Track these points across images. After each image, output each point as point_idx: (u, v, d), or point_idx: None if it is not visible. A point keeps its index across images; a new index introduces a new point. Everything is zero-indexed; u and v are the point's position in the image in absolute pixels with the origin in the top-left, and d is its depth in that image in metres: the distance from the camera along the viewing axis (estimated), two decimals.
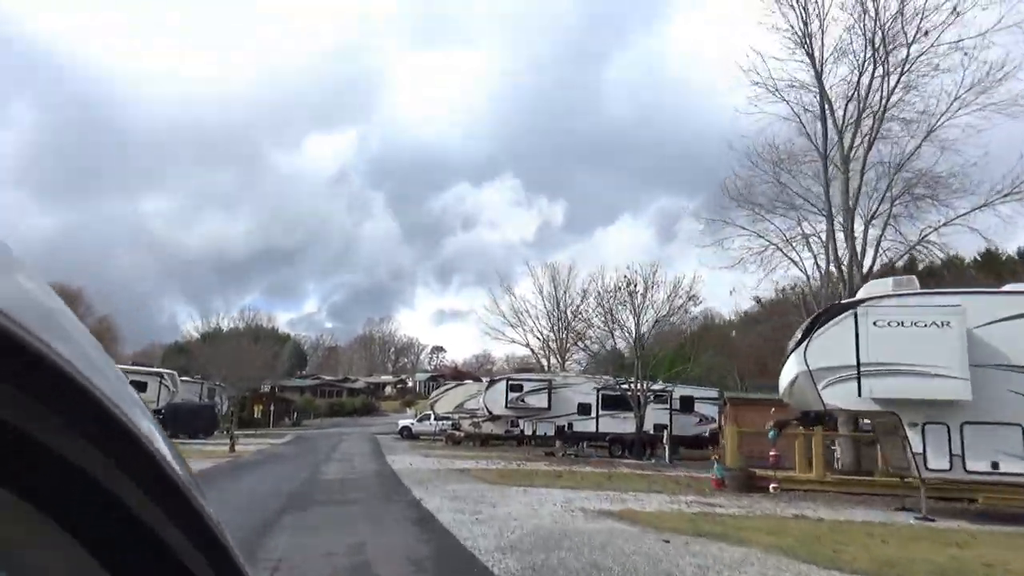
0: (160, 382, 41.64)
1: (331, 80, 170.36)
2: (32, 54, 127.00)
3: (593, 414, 36.92)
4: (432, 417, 51.76)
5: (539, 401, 37.75)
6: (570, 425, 37.28)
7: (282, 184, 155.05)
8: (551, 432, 37.69)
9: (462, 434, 47.40)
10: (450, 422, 48.65)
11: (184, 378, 51.93)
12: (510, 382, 38.73)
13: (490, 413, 39.28)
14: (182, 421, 40.46)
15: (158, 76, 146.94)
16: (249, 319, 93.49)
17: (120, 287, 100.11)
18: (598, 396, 36.86)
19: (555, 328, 47.05)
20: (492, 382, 39.90)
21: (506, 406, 37.98)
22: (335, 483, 20.55)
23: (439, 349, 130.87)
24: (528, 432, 38.75)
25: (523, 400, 38.01)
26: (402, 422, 53.77)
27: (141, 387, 41.59)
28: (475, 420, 47.36)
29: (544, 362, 46.05)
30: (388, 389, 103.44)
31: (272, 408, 63.54)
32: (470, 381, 53.11)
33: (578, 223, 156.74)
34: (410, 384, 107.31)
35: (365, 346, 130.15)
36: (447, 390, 49.40)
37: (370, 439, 48.59)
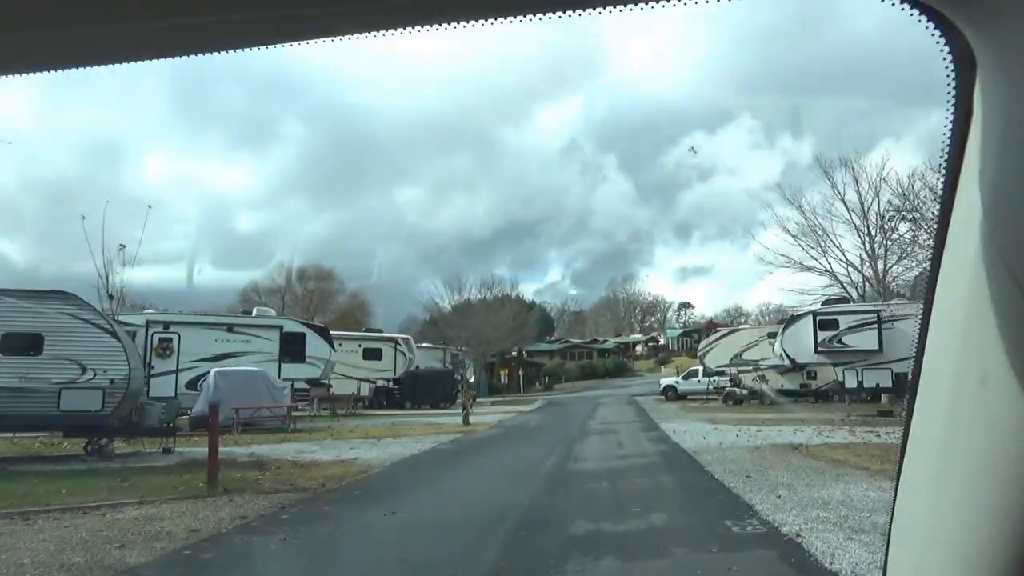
0: (395, 348, 36.16)
1: (552, 50, 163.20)
2: (295, 71, 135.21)
3: None
4: (700, 372, 41.43)
5: (864, 341, 26.00)
6: None
7: (516, 161, 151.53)
8: (885, 382, 25.70)
9: (744, 391, 36.53)
10: (726, 377, 37.98)
11: (425, 344, 47.02)
12: (819, 318, 27.26)
13: (790, 362, 28.23)
14: (422, 389, 34.63)
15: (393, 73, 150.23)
16: (495, 290, 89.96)
17: (383, 272, 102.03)
18: None
19: (867, 244, 34.02)
20: (792, 320, 28.58)
21: (816, 350, 26.72)
22: (599, 480, 11.56)
23: (686, 305, 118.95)
24: (852, 384, 26.97)
25: (839, 341, 26.46)
26: (664, 381, 44.16)
27: (375, 355, 36.44)
28: (759, 373, 36.22)
29: (853, 293, 33.31)
30: (639, 348, 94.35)
31: (521, 373, 57.40)
32: (746, 326, 41.86)
33: (828, 159, 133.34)
34: (662, 341, 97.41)
35: (610, 307, 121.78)
36: (719, 338, 38.71)
37: (630, 402, 39.63)
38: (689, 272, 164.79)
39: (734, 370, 37.28)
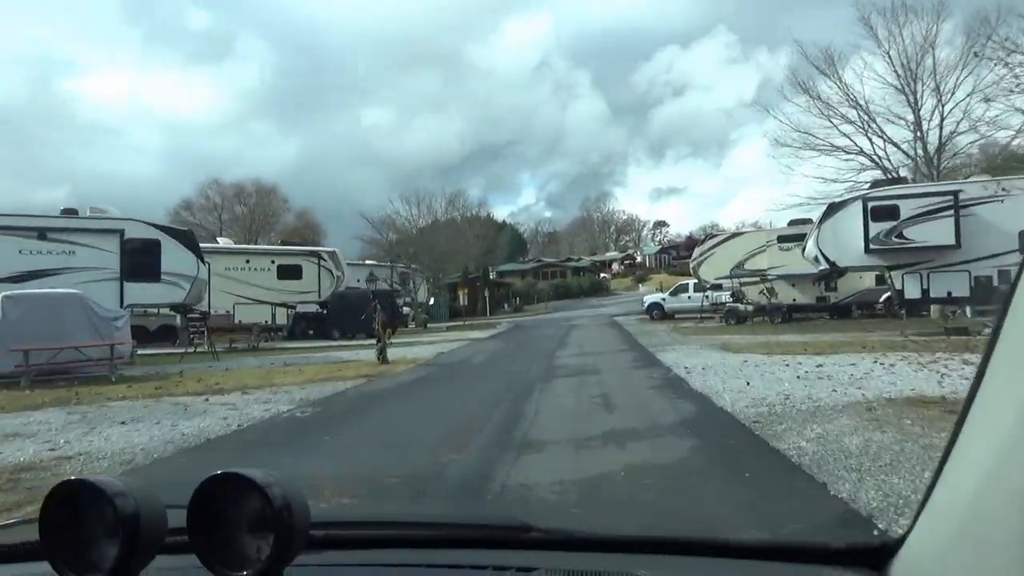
0: (319, 265, 28.00)
1: None
2: None
3: None
4: (691, 287, 34.16)
5: (935, 233, 18.34)
6: (1003, 275, 17.41)
7: (485, 80, 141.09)
8: (960, 289, 18.20)
9: (748, 306, 29.32)
10: (723, 292, 30.69)
11: (369, 261, 38.88)
12: (871, 204, 19.27)
13: (828, 265, 20.54)
14: (351, 315, 26.67)
15: None
16: (463, 210, 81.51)
17: (345, 198, 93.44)
18: None
19: (917, 112, 25.88)
20: (832, 210, 20.38)
21: (867, 248, 18.98)
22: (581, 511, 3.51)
23: (661, 224, 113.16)
24: (914, 293, 19.28)
25: (899, 235, 18.73)
26: (649, 298, 36.94)
27: (293, 273, 28.32)
28: (767, 285, 28.89)
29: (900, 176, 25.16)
30: (615, 266, 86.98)
31: (487, 294, 49.74)
32: (750, 229, 34.14)
33: (806, 75, 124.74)
34: (638, 259, 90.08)
35: (585, 227, 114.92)
36: (717, 245, 31.16)
37: (610, 324, 32.36)
38: (663, 192, 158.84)
39: (735, 283, 29.93)
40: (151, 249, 17.93)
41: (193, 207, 56.51)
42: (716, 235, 32.69)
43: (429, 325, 37.50)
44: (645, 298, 37.36)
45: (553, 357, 17.06)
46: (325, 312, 28.40)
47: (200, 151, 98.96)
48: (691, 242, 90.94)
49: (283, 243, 33.30)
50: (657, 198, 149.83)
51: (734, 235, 31.62)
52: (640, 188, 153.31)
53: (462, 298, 39.58)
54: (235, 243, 31.78)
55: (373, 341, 17.73)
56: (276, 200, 59.98)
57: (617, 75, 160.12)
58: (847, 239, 19.22)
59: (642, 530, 1.33)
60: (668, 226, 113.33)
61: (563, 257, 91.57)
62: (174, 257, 18.30)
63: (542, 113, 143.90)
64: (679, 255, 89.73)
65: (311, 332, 28.74)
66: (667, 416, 8.07)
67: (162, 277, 18.05)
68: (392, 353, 17.62)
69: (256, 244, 40.97)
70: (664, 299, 35.51)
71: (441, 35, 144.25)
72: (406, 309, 35.85)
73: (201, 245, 20.54)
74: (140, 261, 17.74)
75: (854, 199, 19.94)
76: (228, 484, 0.91)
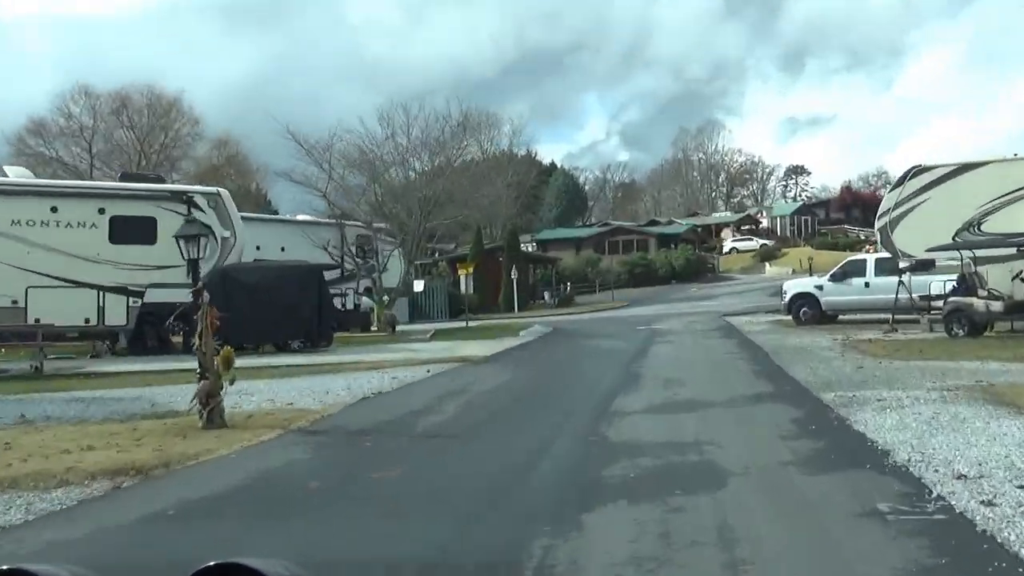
0: (190, 217, 22.22)
1: None
2: None
3: None
4: (870, 267, 28.23)
5: None
6: None
7: None
8: None
9: (992, 302, 23.18)
10: (938, 276, 24.65)
11: (303, 217, 33.26)
12: None
13: None
14: (254, 311, 21.15)
15: None
16: (488, 140, 75.57)
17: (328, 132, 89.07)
18: None
19: None
20: None
21: None
22: None
23: (799, 171, 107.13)
24: None
25: None
26: (794, 286, 31.04)
27: (140, 231, 23.02)
28: None
29: None
30: (727, 234, 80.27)
31: (515, 276, 44.24)
32: (997, 158, 27.18)
33: None
34: (764, 223, 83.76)
35: (679, 174, 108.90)
36: (931, 186, 24.74)
37: (725, 333, 26.90)
38: (801, 124, 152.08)
39: (965, 258, 23.85)
40: None
41: (48, 130, 51.92)
42: (930, 168, 25.85)
43: (408, 327, 31.67)
44: (786, 286, 30.84)
45: (605, 420, 10.84)
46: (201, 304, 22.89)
47: (88, 54, 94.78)
48: (848, 198, 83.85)
49: (124, 178, 27.47)
50: (791, 133, 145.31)
51: (965, 167, 24.86)
52: (766, 119, 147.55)
53: (465, 282, 33.37)
54: (34, 178, 26.46)
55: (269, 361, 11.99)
56: (183, 121, 54.86)
57: None
58: None
59: None
60: (809, 174, 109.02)
61: (644, 220, 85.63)
62: None
63: (619, 2, 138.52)
64: (829, 218, 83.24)
65: (176, 337, 23.28)
66: None
67: None
68: (271, 391, 11.84)
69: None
70: (821, 287, 29.17)
71: None
72: (364, 301, 29.88)
73: None
74: None
75: None
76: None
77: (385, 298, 29.53)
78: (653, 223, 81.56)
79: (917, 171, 25.72)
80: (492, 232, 55.63)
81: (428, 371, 17.56)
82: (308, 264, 25.46)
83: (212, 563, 1.06)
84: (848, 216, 78.89)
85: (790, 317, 29.10)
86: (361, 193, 34.71)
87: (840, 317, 28.50)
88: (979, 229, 23.79)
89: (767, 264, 66.44)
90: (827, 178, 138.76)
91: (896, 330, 24.12)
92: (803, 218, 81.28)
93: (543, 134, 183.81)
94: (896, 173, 63.15)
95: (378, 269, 30.34)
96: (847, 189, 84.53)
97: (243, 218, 25.43)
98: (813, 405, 11.26)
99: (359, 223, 32.28)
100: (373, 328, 29.35)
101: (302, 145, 33.47)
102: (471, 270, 33.94)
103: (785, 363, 16.59)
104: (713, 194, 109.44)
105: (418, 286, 40.35)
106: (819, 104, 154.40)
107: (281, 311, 22.99)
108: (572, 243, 67.72)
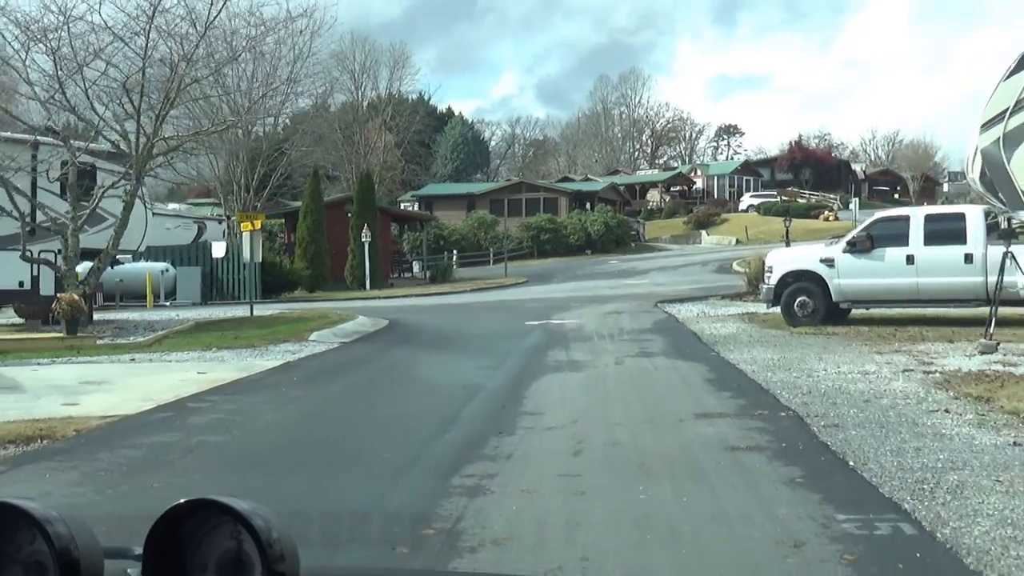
0: None
1: None
2: None
3: None
4: (917, 226, 17.14)
5: None
6: None
7: None
8: None
9: None
10: None
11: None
12: None
13: None
14: None
15: None
16: (395, 97, 66.11)
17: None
18: None
19: None
20: None
21: None
22: None
23: (730, 130, 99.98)
24: None
25: None
26: (781, 261, 19.78)
27: None
28: None
29: None
30: (652, 195, 72.05)
31: (367, 239, 33.35)
32: None
33: None
34: (698, 184, 75.14)
35: (596, 132, 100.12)
36: None
37: (680, 347, 15.74)
38: (734, 83, 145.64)
39: None
40: None
41: None
42: None
43: (171, 314, 19.43)
44: (772, 260, 19.69)
45: None
46: None
47: None
48: (799, 155, 74.49)
49: None
50: (723, 92, 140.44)
51: None
52: (695, 76, 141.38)
53: (250, 243, 21.29)
54: None
55: None
56: None
57: None
58: None
59: None
60: (743, 135, 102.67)
61: (559, 176, 75.62)
62: None
63: None
64: (774, 179, 74.65)
65: None
66: None
67: None
68: None
69: None
70: (831, 261, 18.20)
71: None
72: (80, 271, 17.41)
73: None
74: None
75: None
76: (194, 515, 1.08)
77: (68, 273, 17.06)
78: (566, 179, 71.75)
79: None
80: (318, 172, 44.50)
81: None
82: None
83: (183, 500, 1.08)
84: (797, 177, 70.91)
85: (775, 309, 18.38)
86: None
87: (870, 307, 18.76)
88: None
89: (703, 232, 57.55)
90: (763, 140, 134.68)
91: (997, 344, 13.26)
92: (745, 178, 74.14)
93: (452, 87, 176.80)
94: (844, 136, 54.63)
95: (74, 215, 17.78)
96: (797, 145, 75.57)
97: None
98: None
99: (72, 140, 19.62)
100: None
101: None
102: (259, 224, 21.82)
103: (896, 477, 5.27)
104: (636, 153, 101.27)
105: (218, 250, 29.21)
106: (753, 62, 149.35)
107: None
108: (464, 201, 58.06)
